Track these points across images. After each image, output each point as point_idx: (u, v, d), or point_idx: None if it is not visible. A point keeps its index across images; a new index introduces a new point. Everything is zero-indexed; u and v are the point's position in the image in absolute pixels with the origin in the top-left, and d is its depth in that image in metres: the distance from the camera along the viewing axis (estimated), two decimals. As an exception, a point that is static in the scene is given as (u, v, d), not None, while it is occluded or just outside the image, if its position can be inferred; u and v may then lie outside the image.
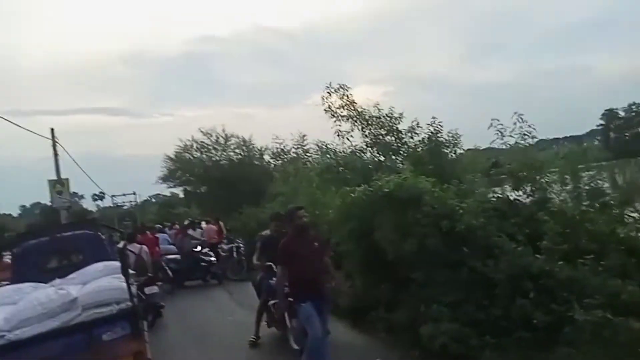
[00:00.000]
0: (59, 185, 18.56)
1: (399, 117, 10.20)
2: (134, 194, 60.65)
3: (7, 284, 6.91)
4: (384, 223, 6.60)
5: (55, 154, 18.84)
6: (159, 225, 18.82)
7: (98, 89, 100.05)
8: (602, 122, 68.73)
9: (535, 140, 7.11)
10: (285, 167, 17.23)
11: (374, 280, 7.15)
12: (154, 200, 71.75)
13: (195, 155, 23.84)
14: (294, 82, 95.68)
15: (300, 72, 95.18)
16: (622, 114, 69.29)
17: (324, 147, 11.71)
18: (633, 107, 67.76)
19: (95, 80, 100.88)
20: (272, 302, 6.99)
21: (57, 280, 5.86)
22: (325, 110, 10.64)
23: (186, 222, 17.41)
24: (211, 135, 23.48)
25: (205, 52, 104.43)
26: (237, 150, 24.12)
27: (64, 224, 13.33)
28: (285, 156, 21.41)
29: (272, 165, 23.46)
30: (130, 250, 8.44)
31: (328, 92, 10.71)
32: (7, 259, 8.76)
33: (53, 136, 19.19)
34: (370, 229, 6.87)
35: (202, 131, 23.60)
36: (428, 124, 9.42)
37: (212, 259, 13.93)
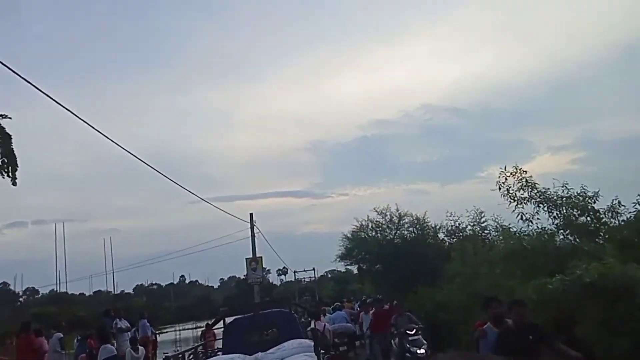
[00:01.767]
0: (254, 262, 20.98)
1: (595, 196, 9.18)
2: (314, 269, 64.31)
3: (219, 353, 7.99)
4: (587, 317, 5.87)
5: (252, 235, 21.62)
6: (338, 303, 19.49)
7: (286, 175, 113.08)
8: None
9: None
10: (463, 245, 16.62)
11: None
12: (329, 275, 74.80)
13: (370, 234, 24.58)
14: (466, 156, 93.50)
15: (473, 146, 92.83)
16: None
17: (505, 228, 11.07)
18: None
19: (284, 167, 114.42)
20: None
21: (260, 354, 6.56)
22: (503, 195, 10.21)
23: (366, 299, 17.65)
24: (385, 215, 24.11)
25: (377, 135, 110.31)
26: (410, 229, 24.17)
27: (264, 302, 14.71)
28: (461, 234, 20.67)
29: (447, 244, 22.78)
30: (316, 329, 8.98)
31: (504, 177, 10.31)
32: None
33: (252, 220, 22.19)
34: (569, 323, 6.15)
35: (376, 211, 24.40)
36: (634, 203, 8.28)
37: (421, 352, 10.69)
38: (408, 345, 10.37)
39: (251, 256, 21.51)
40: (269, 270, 68.92)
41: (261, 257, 21.95)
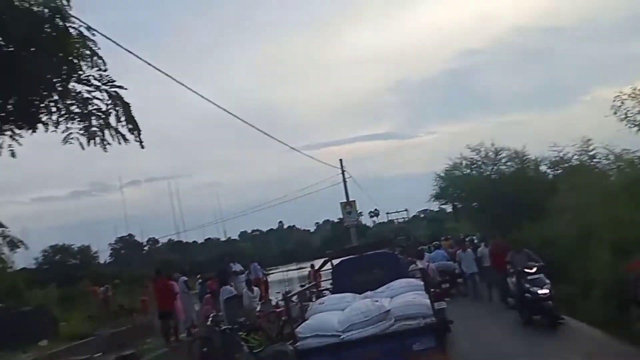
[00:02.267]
0: (348, 206, 21.62)
1: None
2: (406, 210, 64.41)
3: (326, 293, 8.54)
4: None
5: (344, 180, 22.18)
6: (436, 242, 19.56)
7: (374, 117, 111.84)
8: None
9: None
10: (570, 177, 15.62)
11: None
12: (422, 215, 74.52)
13: (464, 172, 23.92)
14: (567, 80, 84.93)
15: (574, 67, 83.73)
16: None
17: (620, 156, 10.19)
18: None
19: (371, 109, 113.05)
20: None
21: (369, 293, 6.92)
22: (620, 119, 9.31)
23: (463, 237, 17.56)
24: (480, 151, 23.19)
25: (465, 67, 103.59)
26: (508, 164, 23.08)
27: (369, 244, 15.14)
28: (566, 164, 19.36)
29: (551, 176, 21.49)
30: (423, 268, 9.17)
31: (620, 100, 9.35)
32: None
33: (342, 166, 22.68)
34: None
35: (470, 148, 23.53)
36: None
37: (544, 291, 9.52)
38: (527, 285, 9.54)
39: (345, 200, 22.13)
40: (360, 212, 70.20)
41: (354, 201, 22.52)
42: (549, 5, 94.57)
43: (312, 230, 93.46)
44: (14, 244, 6.85)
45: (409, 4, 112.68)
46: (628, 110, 9.24)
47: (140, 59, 8.05)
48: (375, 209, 73.10)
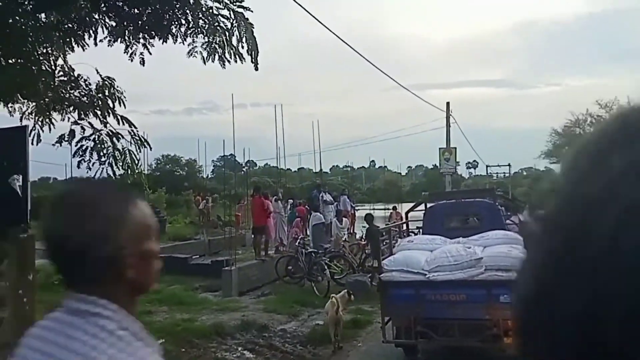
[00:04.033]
0: (447, 153, 20.87)
1: None
2: (509, 165, 60.82)
3: (418, 234, 8.51)
4: None
5: (448, 125, 21.23)
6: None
7: (488, 62, 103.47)
8: None
9: None
10: None
11: None
12: (525, 173, 70.10)
13: (587, 131, 21.87)
14: None
15: None
16: None
17: None
18: None
19: (486, 52, 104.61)
20: None
21: (461, 239, 6.79)
22: None
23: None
24: (611, 108, 20.87)
25: (608, 10, 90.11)
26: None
27: (469, 190, 14.60)
28: None
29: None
30: (525, 221, 8.74)
31: None
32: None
33: (448, 109, 21.63)
34: None
35: (599, 104, 21.21)
36: None
37: None
38: None
39: (445, 146, 21.36)
40: (458, 162, 67.69)
41: (455, 148, 21.64)
42: None
43: (403, 173, 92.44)
44: (141, 143, 7.59)
45: None
46: None
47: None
48: (475, 161, 70.00)
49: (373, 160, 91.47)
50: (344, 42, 12.31)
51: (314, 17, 10.47)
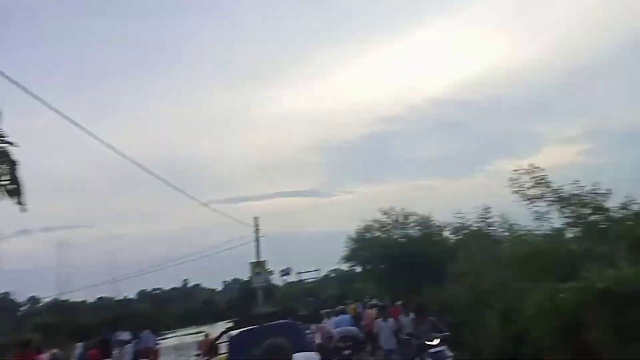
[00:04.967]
0: (258, 267, 20.87)
1: (606, 193, 9.04)
2: (317, 270, 64.07)
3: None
4: (599, 322, 5.71)
5: (257, 239, 21.49)
6: (341, 306, 19.30)
7: (293, 175, 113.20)
8: None
9: None
10: (468, 243, 16.40)
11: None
12: (333, 274, 74.64)
13: (375, 235, 24.40)
14: (474, 151, 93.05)
15: (480, 139, 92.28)
16: None
17: (512, 226, 10.91)
18: None
19: (290, 167, 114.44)
20: None
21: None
22: (515, 191, 10.08)
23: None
24: (390, 215, 23.91)
25: (383, 132, 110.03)
26: (416, 228, 23.97)
27: (270, 313, 14.13)
28: (466, 231, 20.44)
29: (453, 242, 22.53)
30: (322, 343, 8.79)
31: (517, 174, 10.18)
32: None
33: (256, 224, 22.05)
34: (579, 327, 6.01)
35: (382, 211, 24.21)
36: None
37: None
38: None
39: (255, 260, 21.40)
40: (271, 271, 68.69)
41: (265, 261, 21.82)
42: (460, 80, 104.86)
43: (219, 289, 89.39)
44: None
45: (336, 69, 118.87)
46: (523, 184, 10.04)
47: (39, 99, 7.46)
48: (287, 268, 72.05)
49: (186, 279, 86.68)
50: (137, 164, 11.85)
51: (102, 141, 9.94)
